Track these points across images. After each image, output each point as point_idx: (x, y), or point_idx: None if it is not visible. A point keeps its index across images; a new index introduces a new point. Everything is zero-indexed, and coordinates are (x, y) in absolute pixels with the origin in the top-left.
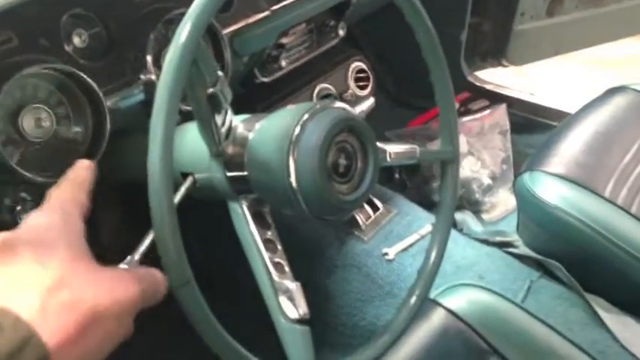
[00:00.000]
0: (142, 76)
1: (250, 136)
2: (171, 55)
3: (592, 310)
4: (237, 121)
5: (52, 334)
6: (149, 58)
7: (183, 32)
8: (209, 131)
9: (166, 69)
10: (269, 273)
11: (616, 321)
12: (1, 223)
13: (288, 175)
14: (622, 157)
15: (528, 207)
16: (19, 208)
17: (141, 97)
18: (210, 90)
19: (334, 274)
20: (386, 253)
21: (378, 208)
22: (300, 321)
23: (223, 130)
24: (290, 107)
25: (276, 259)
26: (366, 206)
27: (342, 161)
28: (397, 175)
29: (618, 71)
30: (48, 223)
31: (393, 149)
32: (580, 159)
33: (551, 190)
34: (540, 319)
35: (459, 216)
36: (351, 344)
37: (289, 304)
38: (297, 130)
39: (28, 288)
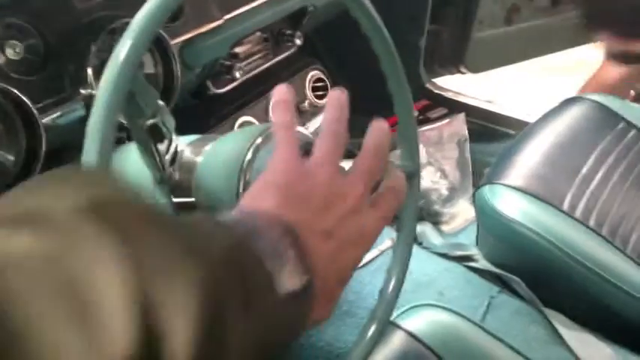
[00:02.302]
0: (82, 91)
1: (198, 160)
2: (103, 89)
3: (551, 326)
4: (183, 145)
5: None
6: (90, 71)
7: (120, 54)
8: (152, 159)
9: (98, 103)
10: None
11: (575, 338)
12: None
13: (236, 201)
14: (579, 169)
15: (488, 220)
16: None
17: (82, 112)
18: (150, 121)
19: None
20: None
21: None
22: None
23: (168, 156)
24: (241, 129)
25: None
26: None
27: None
28: None
29: (571, 77)
30: None
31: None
32: (539, 171)
33: (510, 203)
34: (500, 339)
35: (418, 228)
36: None
37: None
38: (249, 154)
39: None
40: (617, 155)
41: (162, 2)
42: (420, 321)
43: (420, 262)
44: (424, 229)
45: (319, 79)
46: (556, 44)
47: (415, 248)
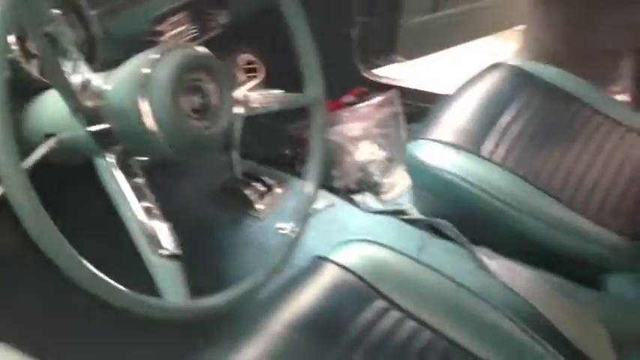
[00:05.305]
0: None
1: (107, 86)
2: None
3: (479, 259)
4: (90, 75)
5: None
6: None
7: None
8: (60, 78)
9: None
10: (136, 215)
11: (501, 266)
12: None
13: (141, 117)
14: (497, 121)
15: (416, 173)
16: None
17: None
18: (46, 29)
19: (232, 253)
20: (282, 228)
21: (271, 188)
22: (171, 257)
23: (78, 82)
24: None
25: (146, 204)
26: (260, 186)
27: (198, 99)
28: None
29: None
30: None
31: (256, 96)
32: (459, 125)
33: (434, 154)
34: (431, 267)
35: (359, 197)
36: None
37: (159, 242)
38: (147, 70)
39: None
40: (534, 110)
41: None
42: (351, 254)
43: (355, 218)
44: (365, 198)
45: (250, 62)
46: (484, 29)
47: (353, 208)
